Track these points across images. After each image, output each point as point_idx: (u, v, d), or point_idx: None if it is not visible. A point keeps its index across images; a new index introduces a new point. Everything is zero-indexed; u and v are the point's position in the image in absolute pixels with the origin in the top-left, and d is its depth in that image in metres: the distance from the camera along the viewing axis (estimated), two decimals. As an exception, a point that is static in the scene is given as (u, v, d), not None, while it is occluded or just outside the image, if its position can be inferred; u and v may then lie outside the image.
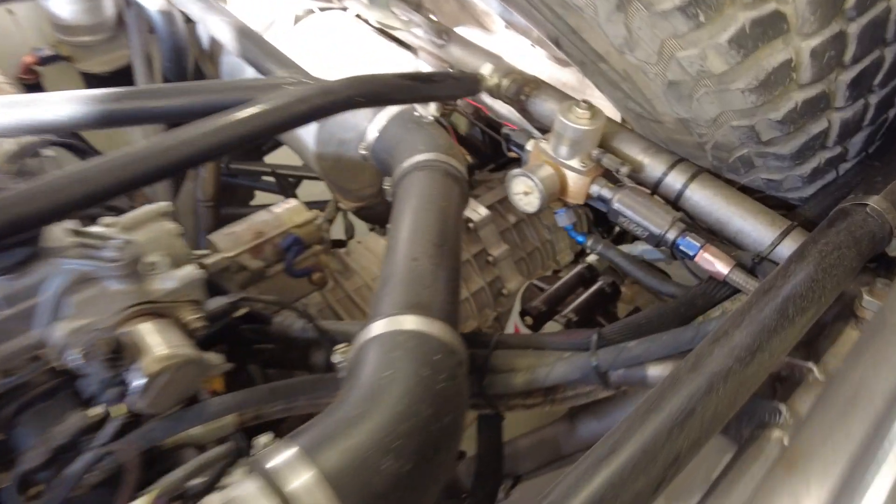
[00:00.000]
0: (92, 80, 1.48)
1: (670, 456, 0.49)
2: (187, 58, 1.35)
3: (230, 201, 2.49)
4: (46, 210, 0.54)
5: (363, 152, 1.23)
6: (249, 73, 1.28)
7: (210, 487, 0.50)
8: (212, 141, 0.60)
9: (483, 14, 1.38)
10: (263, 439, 0.65)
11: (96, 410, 0.67)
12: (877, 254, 0.70)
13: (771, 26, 0.64)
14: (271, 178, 2.14)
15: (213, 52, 1.46)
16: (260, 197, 2.57)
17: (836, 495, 0.46)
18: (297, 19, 1.42)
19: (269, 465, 0.53)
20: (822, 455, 0.50)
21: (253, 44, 0.86)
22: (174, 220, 0.84)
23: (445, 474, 0.62)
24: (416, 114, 1.15)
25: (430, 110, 1.13)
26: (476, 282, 1.60)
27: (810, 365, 0.62)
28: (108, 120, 0.71)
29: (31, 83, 1.42)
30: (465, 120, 1.79)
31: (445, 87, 0.91)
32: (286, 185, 2.15)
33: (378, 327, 0.71)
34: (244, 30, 0.97)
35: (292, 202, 1.23)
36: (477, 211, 1.64)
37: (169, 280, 0.78)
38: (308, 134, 1.17)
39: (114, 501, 0.58)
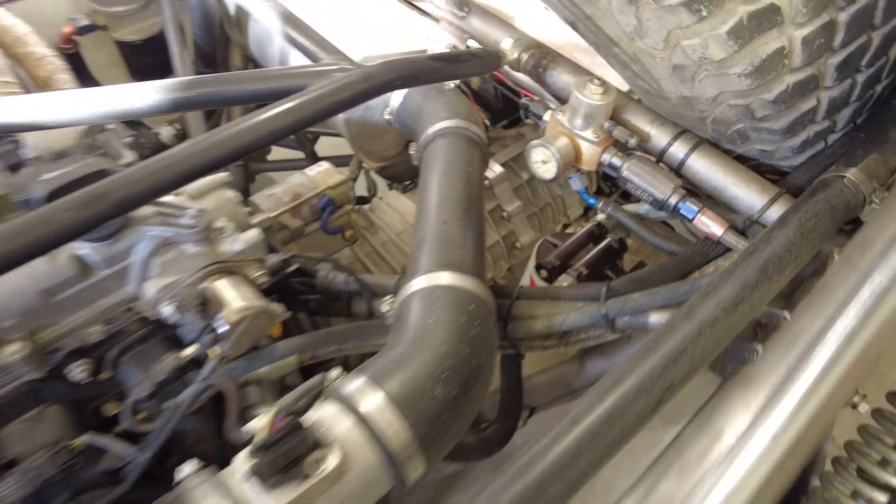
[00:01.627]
0: (126, 48, 1.55)
1: (665, 385, 0.62)
2: (215, 23, 1.41)
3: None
4: (151, 189, 0.66)
5: (388, 117, 1.31)
6: (276, 41, 1.36)
7: (306, 409, 0.63)
8: (275, 127, 0.70)
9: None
10: (334, 373, 0.78)
11: (188, 352, 0.80)
12: (851, 219, 0.81)
13: (766, 18, 0.72)
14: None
15: (240, 19, 1.52)
16: (276, 152, 2.64)
17: (769, 399, 0.61)
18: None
19: (344, 391, 0.64)
20: (767, 373, 0.63)
21: (299, 32, 0.94)
22: (233, 189, 0.95)
23: (480, 401, 0.75)
24: (437, 82, 1.23)
25: (451, 79, 1.21)
26: (491, 236, 1.70)
27: (785, 314, 0.74)
28: (176, 106, 0.81)
29: (70, 52, 1.49)
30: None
31: (471, 65, 0.99)
32: (304, 140, 2.22)
33: (418, 283, 0.83)
34: (289, 16, 1.05)
35: (324, 165, 1.33)
36: (492, 169, 1.73)
37: (237, 242, 0.90)
38: (339, 102, 1.26)
39: (224, 420, 0.72)
